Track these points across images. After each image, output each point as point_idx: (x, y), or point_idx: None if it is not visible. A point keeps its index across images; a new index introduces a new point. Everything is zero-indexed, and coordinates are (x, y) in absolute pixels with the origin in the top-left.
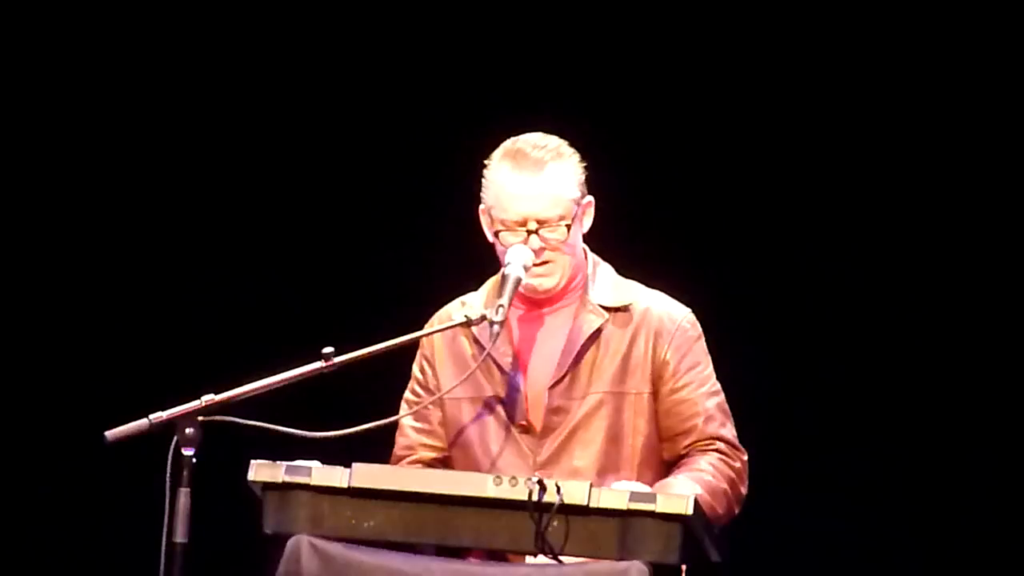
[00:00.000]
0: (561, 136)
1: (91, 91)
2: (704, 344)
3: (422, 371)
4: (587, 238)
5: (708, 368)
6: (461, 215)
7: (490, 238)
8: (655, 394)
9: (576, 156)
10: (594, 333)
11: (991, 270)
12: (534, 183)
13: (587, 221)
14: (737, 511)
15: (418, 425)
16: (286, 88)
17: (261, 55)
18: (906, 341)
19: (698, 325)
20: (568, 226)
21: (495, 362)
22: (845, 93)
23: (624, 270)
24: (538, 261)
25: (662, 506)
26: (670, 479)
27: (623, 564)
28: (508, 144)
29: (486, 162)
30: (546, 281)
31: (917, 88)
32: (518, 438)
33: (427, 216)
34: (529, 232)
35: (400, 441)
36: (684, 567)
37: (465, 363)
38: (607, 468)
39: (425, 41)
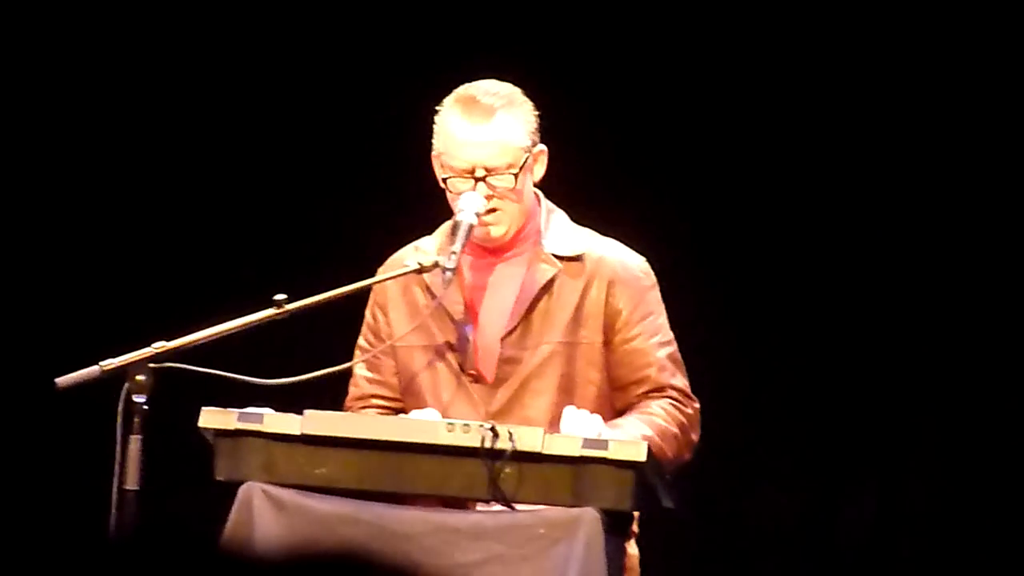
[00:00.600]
0: (518, 84)
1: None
2: (658, 293)
3: (374, 317)
4: (542, 184)
5: (661, 318)
6: (414, 160)
7: (441, 184)
8: (607, 343)
9: (529, 104)
10: (547, 283)
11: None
12: (483, 130)
13: (539, 170)
14: (688, 457)
15: (369, 375)
16: (231, 40)
17: (208, 12)
18: (858, 298)
19: (652, 274)
20: (516, 175)
21: (446, 311)
22: (798, 46)
23: (580, 217)
24: (487, 208)
25: (615, 452)
26: (620, 420)
27: (576, 510)
28: (460, 90)
29: (438, 108)
30: (494, 229)
31: (887, 69)
32: (469, 387)
33: (379, 161)
34: (477, 180)
35: (352, 391)
36: (637, 513)
37: (417, 310)
38: (559, 418)
39: None
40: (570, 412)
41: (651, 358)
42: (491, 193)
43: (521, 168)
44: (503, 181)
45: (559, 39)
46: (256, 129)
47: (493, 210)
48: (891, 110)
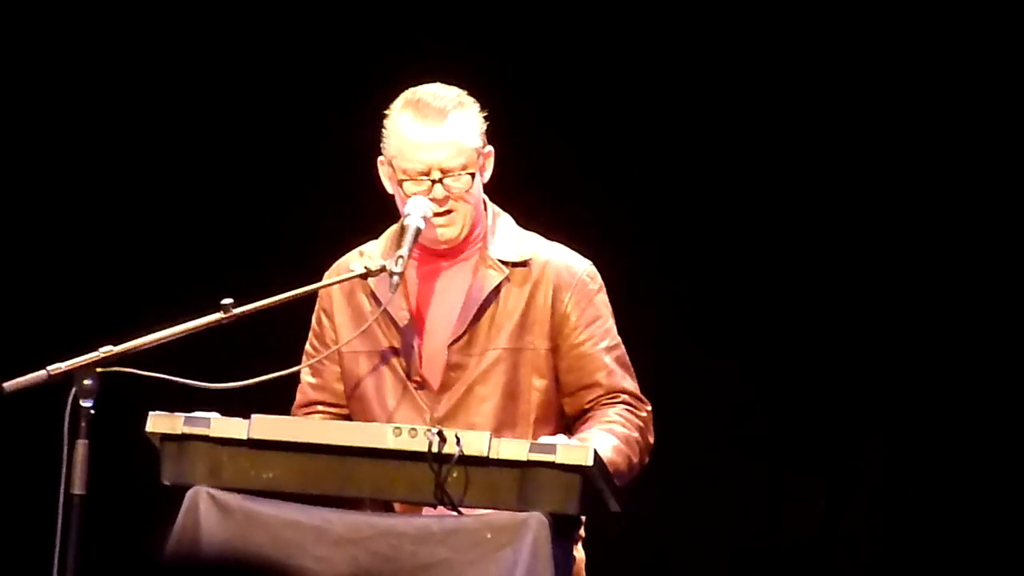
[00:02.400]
0: (459, 86)
1: None
2: (605, 297)
3: (319, 323)
4: (487, 188)
5: (609, 322)
6: (359, 164)
7: (390, 189)
8: (555, 349)
9: (476, 106)
10: (493, 290)
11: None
12: (437, 132)
13: (488, 171)
14: (647, 460)
15: (314, 382)
16: (182, 36)
17: (160, 19)
18: (807, 297)
19: (598, 278)
20: (472, 175)
21: (391, 317)
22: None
23: (524, 220)
24: (440, 211)
25: (562, 457)
26: (584, 433)
27: (523, 515)
28: (408, 94)
29: (386, 112)
30: (448, 231)
31: (848, 62)
32: (414, 393)
33: (325, 166)
34: (433, 181)
35: (298, 398)
36: (583, 517)
37: (362, 316)
38: (504, 424)
39: None
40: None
41: (600, 363)
42: (447, 195)
43: (475, 169)
44: (458, 182)
45: (504, 39)
46: (202, 134)
47: (448, 211)
48: (852, 104)
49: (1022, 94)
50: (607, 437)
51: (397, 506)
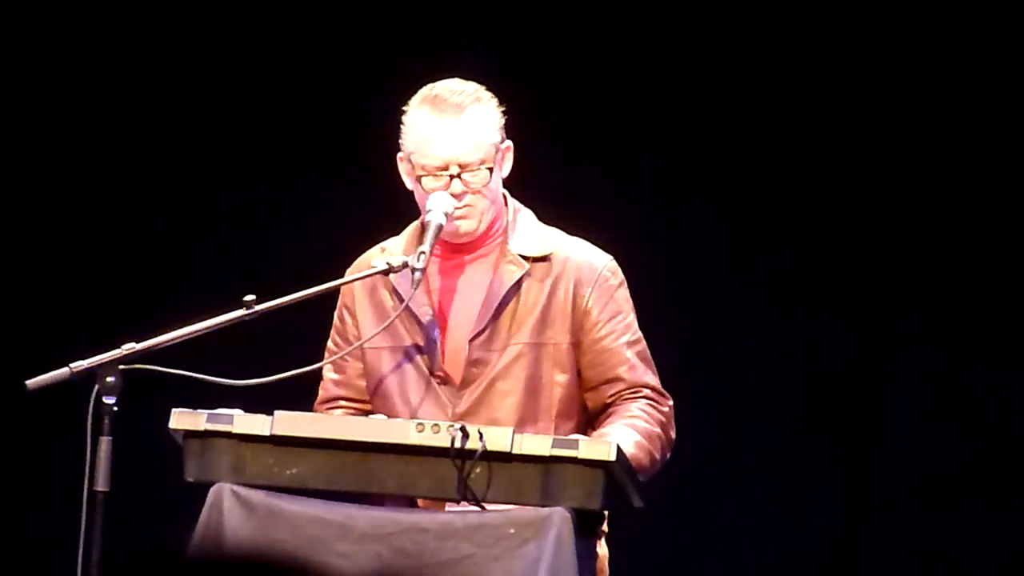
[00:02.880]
0: (483, 82)
1: None
2: (626, 292)
3: (342, 320)
4: (508, 184)
5: (630, 316)
6: (382, 161)
7: (409, 185)
8: (577, 344)
9: (494, 101)
10: (514, 284)
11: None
12: (455, 127)
13: (507, 166)
14: (669, 455)
15: (337, 378)
16: (201, 39)
17: (184, 11)
18: (821, 289)
19: (620, 273)
20: (490, 170)
21: (413, 313)
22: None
23: (546, 217)
24: (459, 205)
25: (584, 452)
26: (605, 428)
27: (546, 510)
28: (426, 90)
29: (404, 108)
30: (466, 224)
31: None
32: (437, 389)
33: (347, 162)
34: (451, 176)
35: (320, 394)
36: (606, 513)
37: (385, 312)
38: (525, 419)
39: None
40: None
41: (622, 357)
42: (465, 190)
43: (494, 163)
44: (477, 177)
45: (523, 37)
46: (226, 131)
47: (466, 205)
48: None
49: None
50: (629, 432)
51: (420, 501)
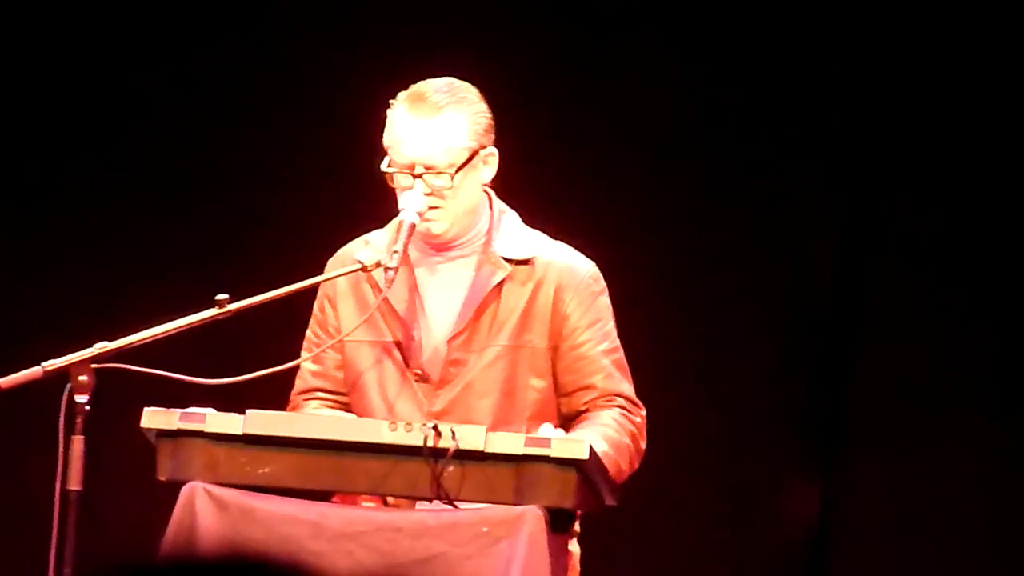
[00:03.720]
0: (478, 83)
1: None
2: (607, 299)
3: (323, 310)
4: (496, 187)
5: (609, 324)
6: (363, 154)
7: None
8: (555, 349)
9: (482, 105)
10: (496, 286)
11: None
12: (425, 128)
13: (488, 171)
14: (637, 466)
15: (316, 368)
16: (178, 37)
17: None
18: (795, 294)
19: (601, 280)
20: (452, 175)
21: (393, 308)
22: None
23: (532, 221)
24: (430, 205)
25: (557, 451)
26: (574, 433)
27: (519, 509)
28: (415, 86)
29: (391, 102)
30: (434, 227)
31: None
32: (414, 386)
33: (327, 156)
34: (416, 176)
35: (298, 384)
36: (579, 511)
37: (366, 306)
38: (500, 421)
39: None
40: (544, 428)
41: (599, 365)
42: (429, 191)
43: (460, 168)
44: (440, 180)
45: (509, 39)
46: (200, 126)
47: (434, 207)
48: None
49: None
50: (597, 441)
51: (390, 500)
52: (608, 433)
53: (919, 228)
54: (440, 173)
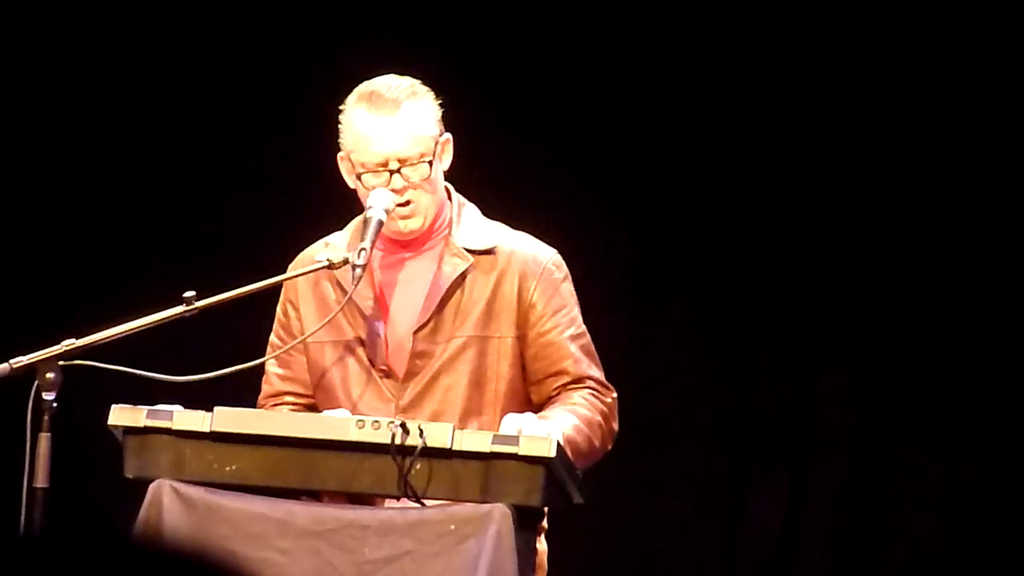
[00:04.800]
0: (415, 76)
1: None
2: (570, 286)
3: (285, 313)
4: (451, 178)
5: (575, 310)
6: (323, 156)
7: (351, 183)
8: (522, 337)
9: (431, 94)
10: (459, 277)
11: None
12: (392, 123)
13: (447, 159)
14: (610, 447)
15: (282, 372)
16: (143, 38)
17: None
18: (764, 292)
19: (564, 267)
20: (430, 163)
21: (356, 307)
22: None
23: (490, 211)
24: (401, 201)
25: (525, 448)
26: (546, 412)
27: (486, 507)
28: (362, 88)
29: (341, 107)
30: (411, 222)
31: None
32: (380, 382)
33: (288, 157)
34: (391, 172)
35: (265, 388)
36: (546, 509)
37: (328, 306)
38: (470, 412)
39: None
40: (508, 418)
41: (567, 351)
42: (406, 185)
43: (433, 157)
44: (417, 172)
45: (456, 29)
46: (164, 124)
47: (409, 202)
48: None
49: None
50: (568, 417)
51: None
52: (578, 411)
53: (885, 219)
54: (415, 165)
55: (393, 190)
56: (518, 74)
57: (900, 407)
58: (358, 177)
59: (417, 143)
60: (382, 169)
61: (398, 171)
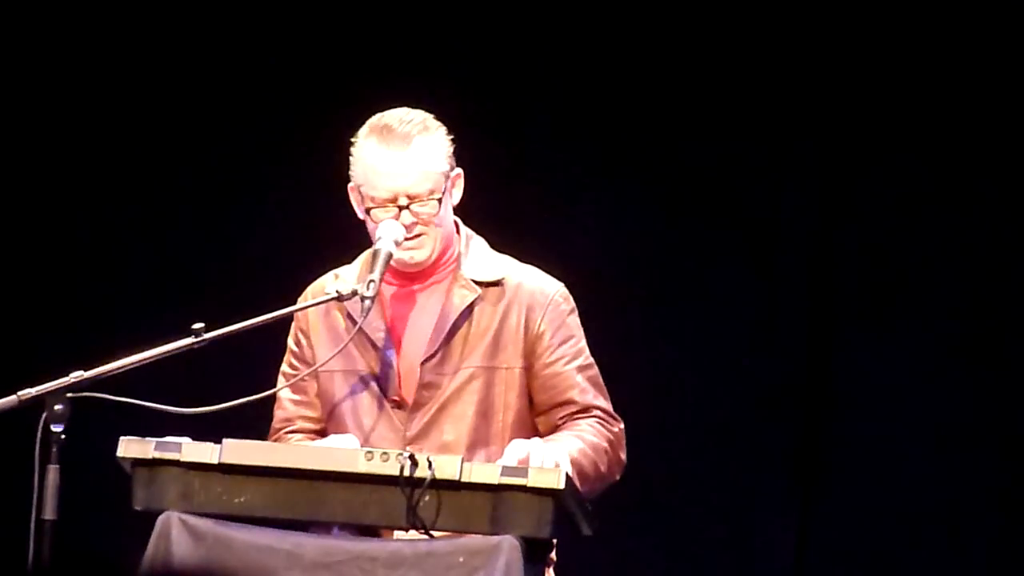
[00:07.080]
0: (428, 110)
1: None
2: (577, 318)
3: (297, 343)
4: (459, 212)
5: (581, 342)
6: (333, 189)
7: (360, 215)
8: (528, 368)
9: (443, 129)
10: (467, 308)
11: None
12: (402, 158)
13: (457, 194)
14: (617, 477)
15: (296, 397)
16: (148, 67)
17: (114, 24)
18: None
19: (571, 299)
20: (439, 200)
21: (368, 337)
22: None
23: (498, 245)
24: (410, 235)
25: (534, 480)
26: (554, 435)
27: (495, 539)
28: (374, 120)
29: (353, 140)
30: (418, 254)
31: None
32: (391, 413)
33: (299, 190)
34: (400, 208)
35: (278, 414)
36: (555, 541)
37: (339, 336)
38: (477, 443)
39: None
40: (514, 444)
41: (573, 381)
42: (415, 221)
43: (443, 193)
44: (426, 207)
45: (471, 64)
46: (177, 156)
47: (418, 235)
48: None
49: None
50: (574, 440)
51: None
52: (585, 436)
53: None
54: (424, 201)
55: (404, 224)
56: (525, 104)
57: (913, 436)
58: (367, 211)
59: (427, 179)
60: (391, 205)
61: (407, 207)
